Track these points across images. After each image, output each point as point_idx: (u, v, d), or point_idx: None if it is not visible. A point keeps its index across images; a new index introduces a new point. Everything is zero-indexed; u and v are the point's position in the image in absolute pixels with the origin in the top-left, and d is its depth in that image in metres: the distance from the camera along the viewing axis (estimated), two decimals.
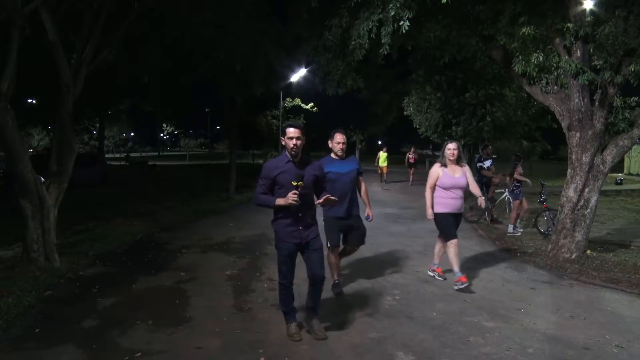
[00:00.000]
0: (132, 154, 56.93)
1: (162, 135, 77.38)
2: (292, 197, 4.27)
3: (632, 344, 4.63)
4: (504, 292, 6.34)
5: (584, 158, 7.87)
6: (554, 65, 7.65)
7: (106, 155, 44.54)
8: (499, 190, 11.97)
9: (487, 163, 12.04)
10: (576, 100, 7.80)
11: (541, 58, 7.66)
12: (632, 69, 7.05)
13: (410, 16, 7.65)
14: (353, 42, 8.68)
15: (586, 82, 7.43)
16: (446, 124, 20.69)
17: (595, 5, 6.97)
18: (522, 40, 7.73)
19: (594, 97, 7.82)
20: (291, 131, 4.47)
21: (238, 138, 19.67)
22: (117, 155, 52.51)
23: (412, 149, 23.39)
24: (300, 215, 4.51)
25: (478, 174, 12.10)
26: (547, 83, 8.40)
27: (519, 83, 9.15)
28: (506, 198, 11.35)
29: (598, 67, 7.50)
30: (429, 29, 10.48)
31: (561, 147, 44.90)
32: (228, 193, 16.74)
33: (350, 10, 8.82)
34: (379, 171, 24.23)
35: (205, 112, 64.48)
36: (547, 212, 10.04)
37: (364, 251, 8.18)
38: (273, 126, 20.92)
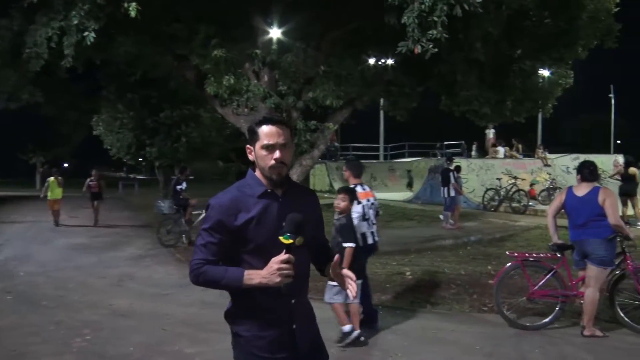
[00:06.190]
0: None
1: None
2: (283, 268, 2.03)
3: None
4: (204, 315, 6.21)
5: None
6: (244, 88, 8.08)
7: None
8: (196, 212, 11.96)
9: (184, 185, 12.01)
10: None
11: (232, 81, 8.01)
12: (311, 96, 7.91)
13: (96, 27, 7.02)
14: (28, 50, 7.55)
15: (272, 106, 8.03)
16: (140, 145, 19.94)
17: (281, 34, 7.58)
18: (215, 62, 7.93)
19: None
20: (270, 131, 2.12)
21: None
22: None
23: (94, 172, 16.12)
24: (293, 302, 2.25)
25: (176, 196, 11.93)
26: (238, 105, 8.76)
27: (212, 104, 9.34)
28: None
29: (283, 92, 8.18)
30: (119, 43, 9.87)
31: None
32: None
33: (24, 12, 7.66)
34: (49, 207, 15.15)
35: None
36: None
37: (38, 295, 7.16)
38: None
